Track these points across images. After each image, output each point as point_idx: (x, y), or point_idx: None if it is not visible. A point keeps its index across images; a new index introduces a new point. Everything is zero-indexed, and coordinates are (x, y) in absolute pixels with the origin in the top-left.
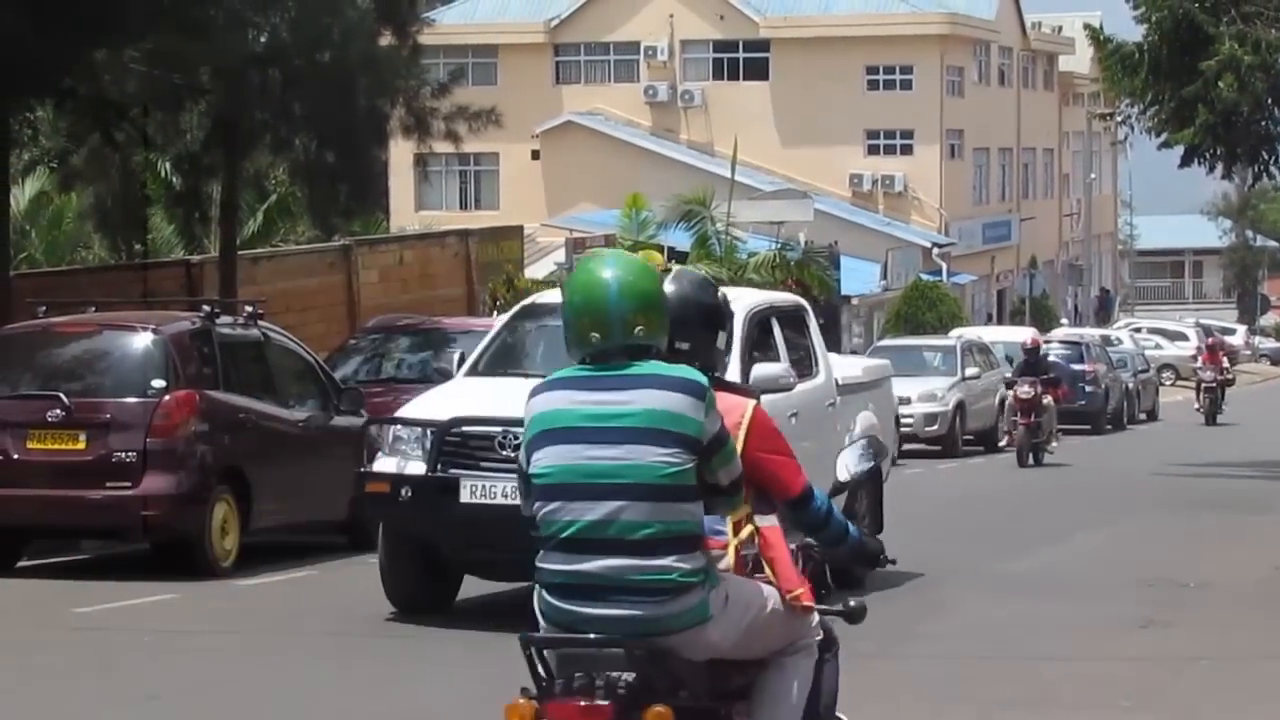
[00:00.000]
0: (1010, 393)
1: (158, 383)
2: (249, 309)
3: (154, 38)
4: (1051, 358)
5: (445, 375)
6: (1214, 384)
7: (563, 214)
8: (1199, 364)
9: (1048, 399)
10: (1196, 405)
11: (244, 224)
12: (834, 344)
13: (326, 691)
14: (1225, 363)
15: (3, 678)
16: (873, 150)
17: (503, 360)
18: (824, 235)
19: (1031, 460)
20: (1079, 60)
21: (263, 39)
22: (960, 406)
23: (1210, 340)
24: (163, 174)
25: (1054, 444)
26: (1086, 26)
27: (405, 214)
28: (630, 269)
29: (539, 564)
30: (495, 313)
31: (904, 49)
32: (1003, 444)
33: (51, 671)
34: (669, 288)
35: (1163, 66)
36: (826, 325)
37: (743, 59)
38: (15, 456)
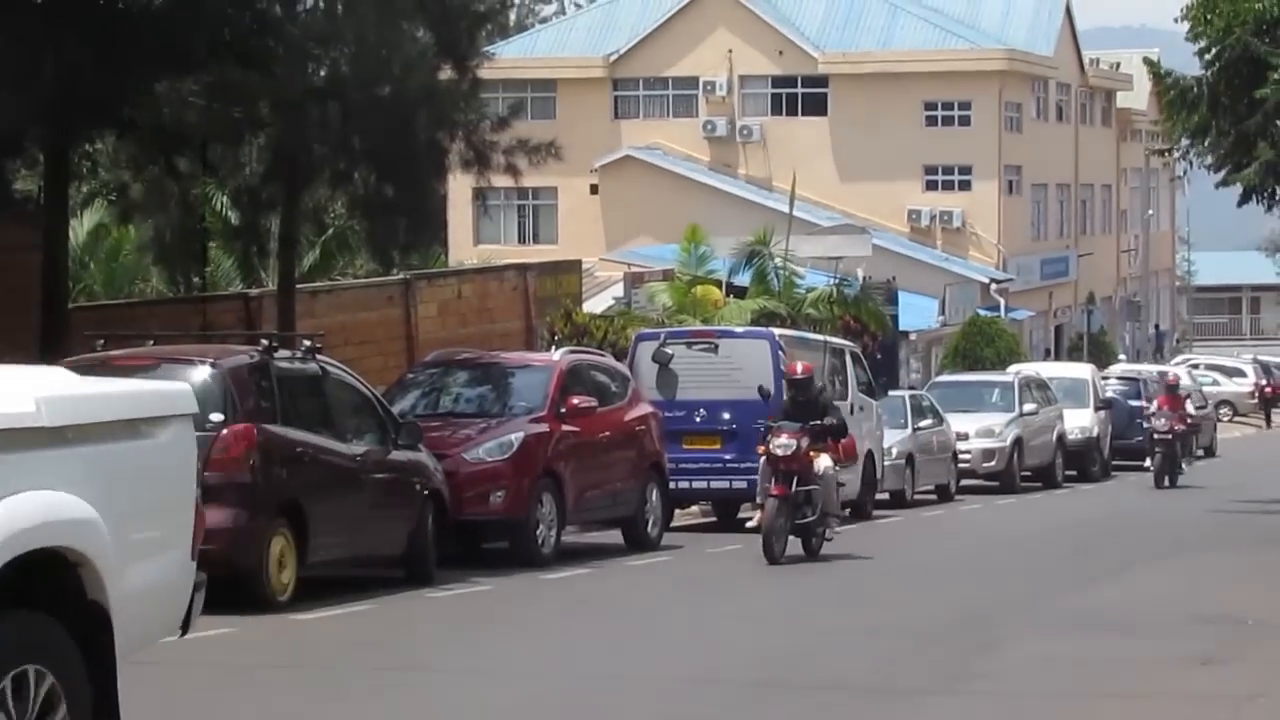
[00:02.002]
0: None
1: (216, 416)
2: (307, 343)
3: (215, 70)
4: (1109, 394)
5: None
6: (1169, 435)
7: (621, 248)
8: (1152, 409)
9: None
10: (1148, 463)
11: (302, 257)
12: (892, 379)
13: None
14: (1189, 408)
15: None
16: (931, 186)
17: None
18: (882, 270)
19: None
20: (1137, 96)
21: (323, 72)
22: (1018, 442)
23: (1170, 378)
24: (220, 207)
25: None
26: (1146, 61)
27: (464, 248)
28: None
29: None
30: (554, 347)
31: (962, 85)
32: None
33: None
34: None
35: (1222, 102)
36: (884, 361)
37: (801, 94)
38: None
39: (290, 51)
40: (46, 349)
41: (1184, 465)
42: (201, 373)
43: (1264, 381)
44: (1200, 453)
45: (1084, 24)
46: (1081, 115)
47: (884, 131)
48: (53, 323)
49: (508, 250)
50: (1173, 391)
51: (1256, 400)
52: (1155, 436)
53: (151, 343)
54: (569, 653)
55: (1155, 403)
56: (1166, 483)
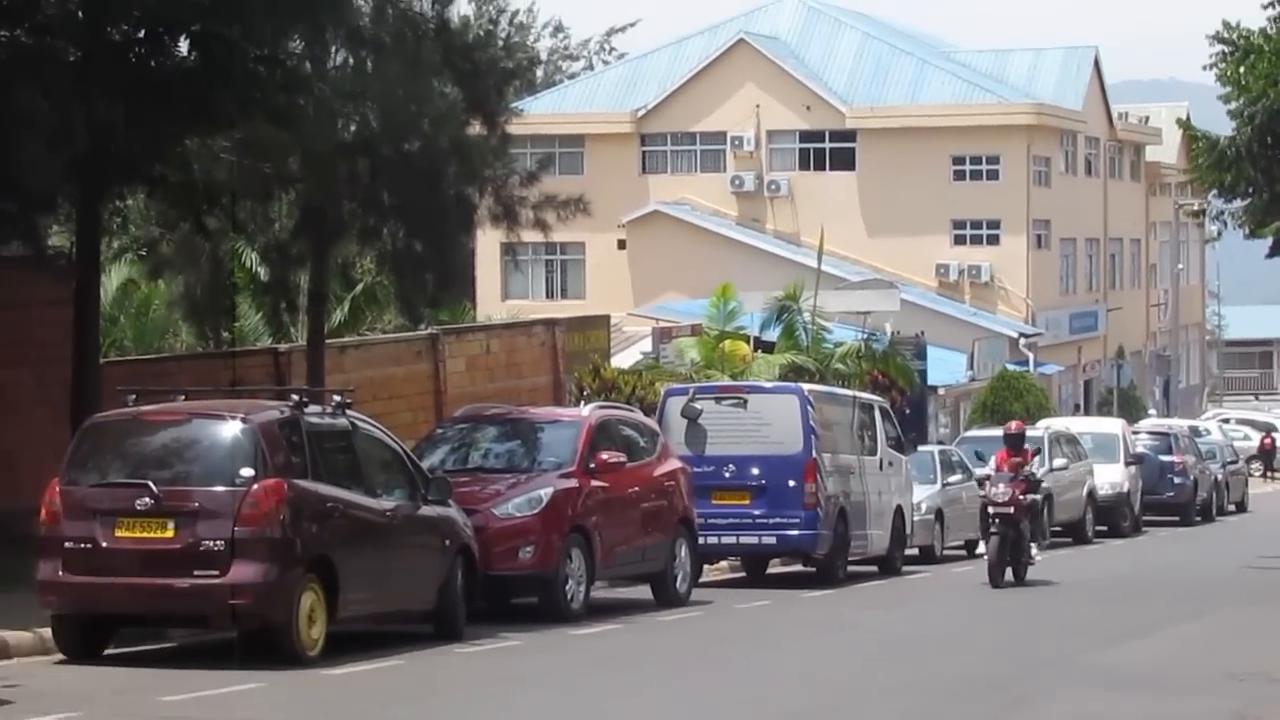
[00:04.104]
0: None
1: (246, 471)
2: (337, 398)
3: (244, 127)
4: (1139, 449)
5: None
6: (1009, 508)
7: (649, 303)
8: (990, 472)
9: None
10: (981, 548)
11: (331, 313)
12: (921, 434)
13: None
14: (1034, 469)
15: None
16: (959, 240)
17: None
18: (910, 325)
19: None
20: (1166, 150)
21: (352, 128)
22: (1048, 498)
23: (1012, 426)
24: (250, 263)
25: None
26: (1179, 122)
27: (492, 303)
28: None
29: None
30: (582, 402)
31: (990, 139)
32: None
33: None
34: None
35: (1256, 161)
36: (913, 416)
37: (829, 149)
38: (104, 544)
39: (319, 108)
40: (78, 403)
41: (1034, 550)
42: (232, 428)
43: (1264, 435)
44: (1231, 507)
45: (1112, 77)
46: (1110, 169)
47: (912, 186)
48: (84, 377)
49: (536, 305)
50: (1015, 445)
51: (1257, 451)
52: (990, 511)
53: (182, 397)
54: (598, 709)
55: (992, 461)
56: (1008, 578)
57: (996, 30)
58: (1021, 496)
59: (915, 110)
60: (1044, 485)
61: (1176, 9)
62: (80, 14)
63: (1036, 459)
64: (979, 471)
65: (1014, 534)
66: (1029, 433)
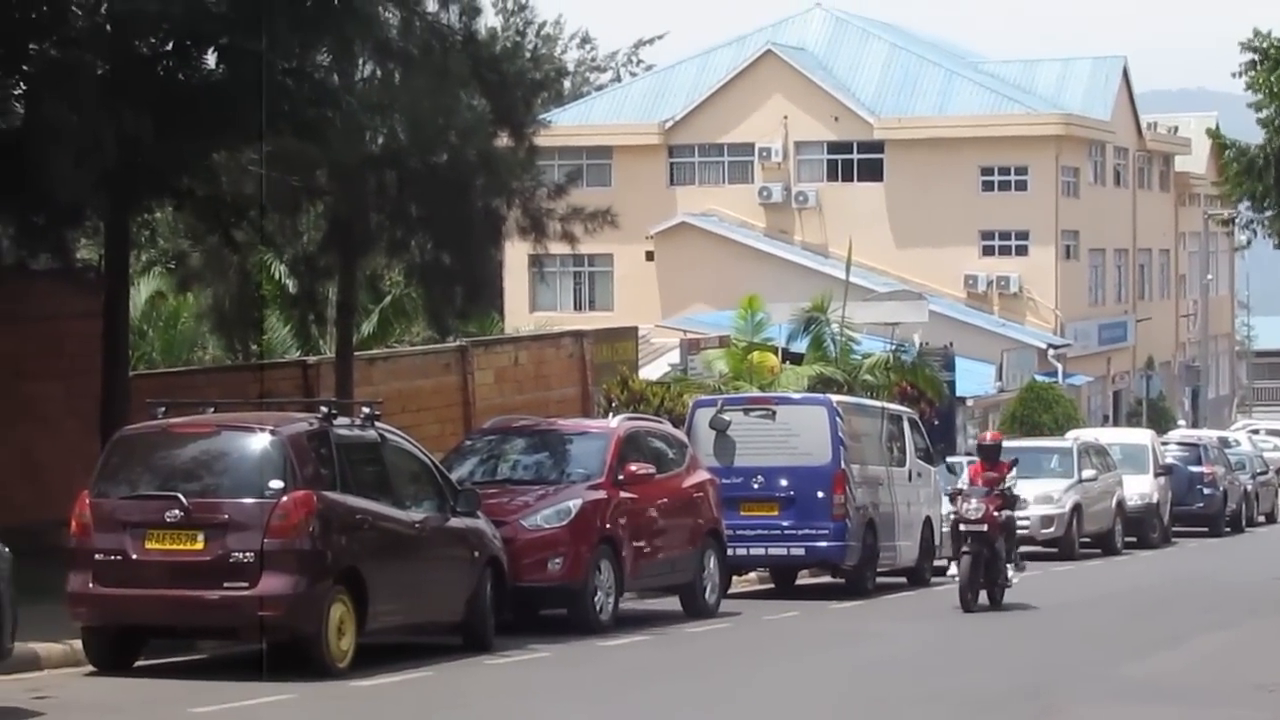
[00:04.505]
0: None
1: (275, 483)
2: (366, 410)
3: (272, 139)
4: (1169, 459)
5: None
6: (981, 525)
7: (677, 315)
8: (960, 483)
9: None
10: (951, 571)
11: (360, 325)
12: (949, 446)
13: None
14: (1012, 483)
15: None
16: (988, 251)
17: None
18: (939, 336)
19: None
20: (1195, 161)
21: (379, 140)
22: (1077, 509)
23: (987, 436)
24: (277, 275)
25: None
26: (1208, 131)
27: (520, 314)
28: None
29: None
30: (611, 414)
31: (1019, 150)
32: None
33: None
34: None
35: None
36: (941, 427)
37: (857, 160)
38: (134, 556)
39: (347, 121)
40: (107, 416)
41: (1011, 571)
42: (262, 440)
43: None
44: (1261, 518)
45: (1140, 87)
46: (1139, 179)
47: (940, 197)
48: (113, 390)
49: (564, 317)
50: (990, 458)
51: None
52: (962, 528)
53: (212, 410)
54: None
55: (965, 474)
56: (983, 600)
57: (1024, 41)
58: (996, 513)
59: (943, 121)
60: (1021, 499)
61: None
62: (108, 28)
63: (1013, 472)
64: (954, 485)
65: (988, 553)
66: (1058, 444)
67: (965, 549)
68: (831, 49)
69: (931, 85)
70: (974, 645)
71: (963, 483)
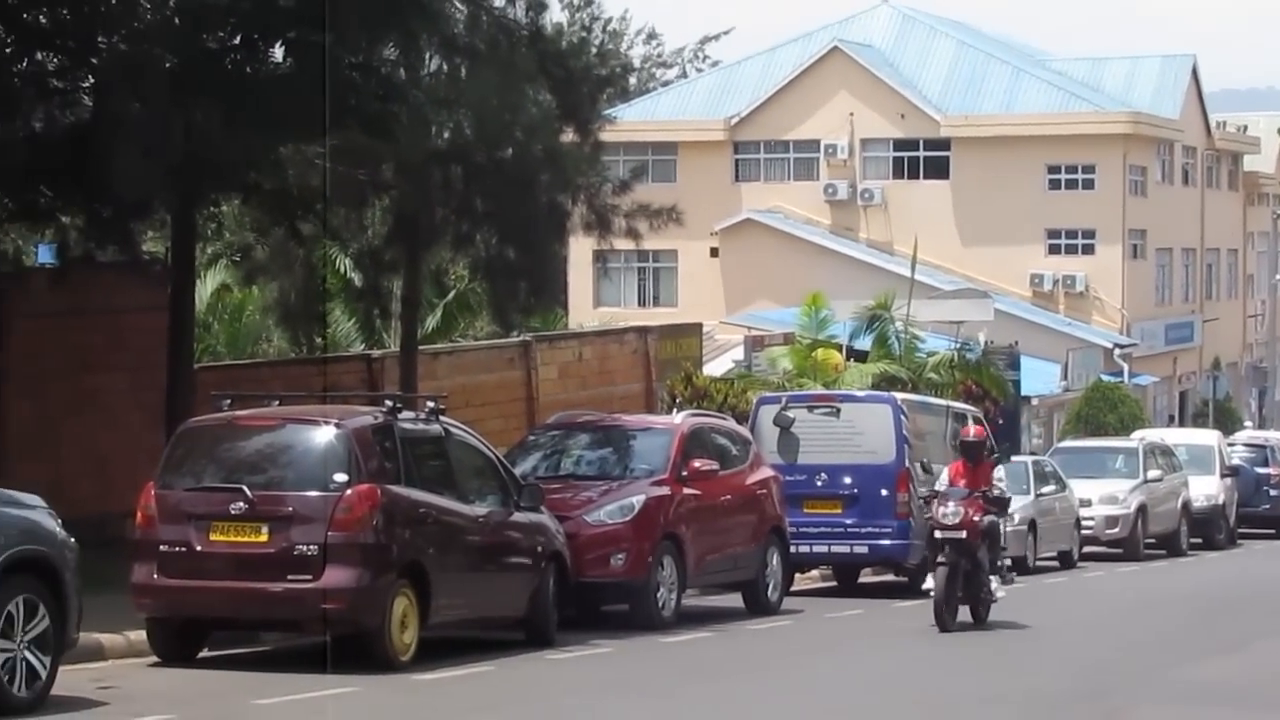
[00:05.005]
0: None
1: (340, 477)
2: (431, 404)
3: (338, 133)
4: (1235, 460)
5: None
6: (960, 532)
7: (741, 311)
8: (939, 484)
9: None
10: (927, 584)
11: (424, 319)
12: (1014, 445)
13: None
14: (1000, 484)
15: None
16: (1054, 250)
17: None
18: (1004, 335)
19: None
20: (1265, 160)
21: (445, 135)
22: (1142, 509)
23: (970, 431)
24: (342, 269)
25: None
26: (1279, 131)
27: (584, 310)
28: None
29: None
30: (675, 410)
31: (1086, 148)
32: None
33: None
34: None
35: None
36: (1006, 426)
37: (923, 157)
38: (198, 548)
39: (413, 115)
40: (172, 408)
41: (996, 584)
42: (326, 433)
43: None
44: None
45: (1209, 86)
46: (1207, 178)
47: (1006, 195)
48: (178, 382)
49: (628, 313)
50: (973, 455)
51: None
52: (937, 535)
53: (276, 403)
54: (688, 717)
55: (945, 474)
56: (966, 617)
57: (1092, 38)
58: (977, 518)
59: (1010, 119)
60: (1007, 501)
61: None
62: (177, 22)
63: (999, 471)
64: (937, 485)
65: (969, 564)
66: (1124, 444)
67: (941, 559)
68: (898, 46)
69: (998, 83)
70: (1037, 644)
71: (941, 484)
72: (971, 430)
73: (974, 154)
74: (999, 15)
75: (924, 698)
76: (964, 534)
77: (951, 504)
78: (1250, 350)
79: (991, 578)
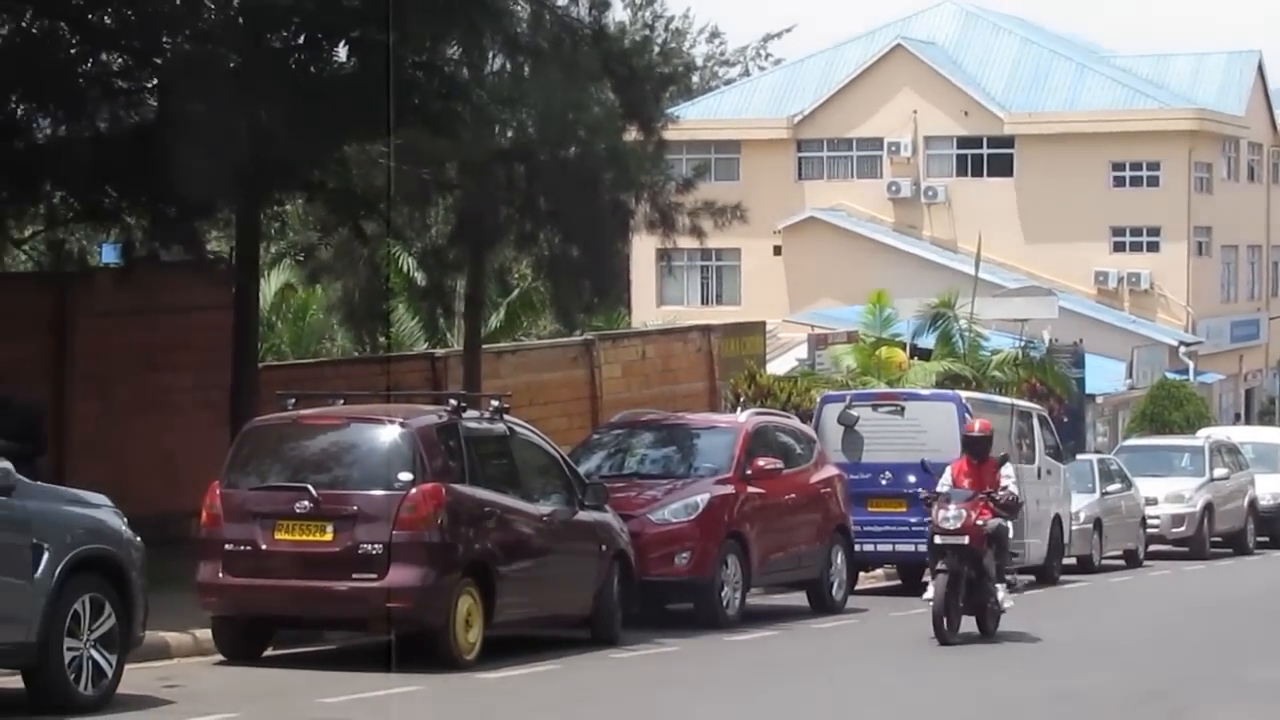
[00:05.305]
0: None
1: (404, 476)
2: (495, 403)
3: (402, 133)
4: None
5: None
6: (961, 537)
7: (804, 310)
8: (941, 485)
9: None
10: (927, 594)
11: (488, 318)
12: (1079, 443)
13: None
14: (1009, 483)
15: None
16: (1118, 247)
17: None
18: (1068, 333)
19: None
20: None
21: (509, 134)
22: (1208, 508)
23: (974, 425)
24: (406, 268)
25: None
26: None
27: (647, 309)
28: None
29: None
30: (738, 408)
31: (1151, 145)
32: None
33: None
34: None
35: None
36: (1070, 424)
37: (987, 155)
38: (263, 547)
39: (477, 114)
40: (237, 407)
41: (1003, 593)
42: (391, 432)
43: None
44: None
45: (1276, 83)
46: (1274, 175)
47: (1070, 192)
48: (243, 381)
49: (691, 311)
50: (978, 452)
51: None
52: (937, 540)
53: (341, 402)
54: (752, 716)
55: (947, 474)
56: (971, 629)
57: (1156, 35)
58: (980, 522)
59: (1074, 116)
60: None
61: None
62: (240, 21)
63: (1005, 469)
64: (939, 485)
65: (973, 572)
66: (1189, 442)
67: (940, 566)
68: (962, 43)
69: (1062, 80)
70: (1100, 642)
71: (944, 484)
72: (976, 424)
73: (1038, 151)
74: (1063, 12)
75: (984, 697)
76: (965, 539)
77: (953, 507)
78: None
79: (999, 586)
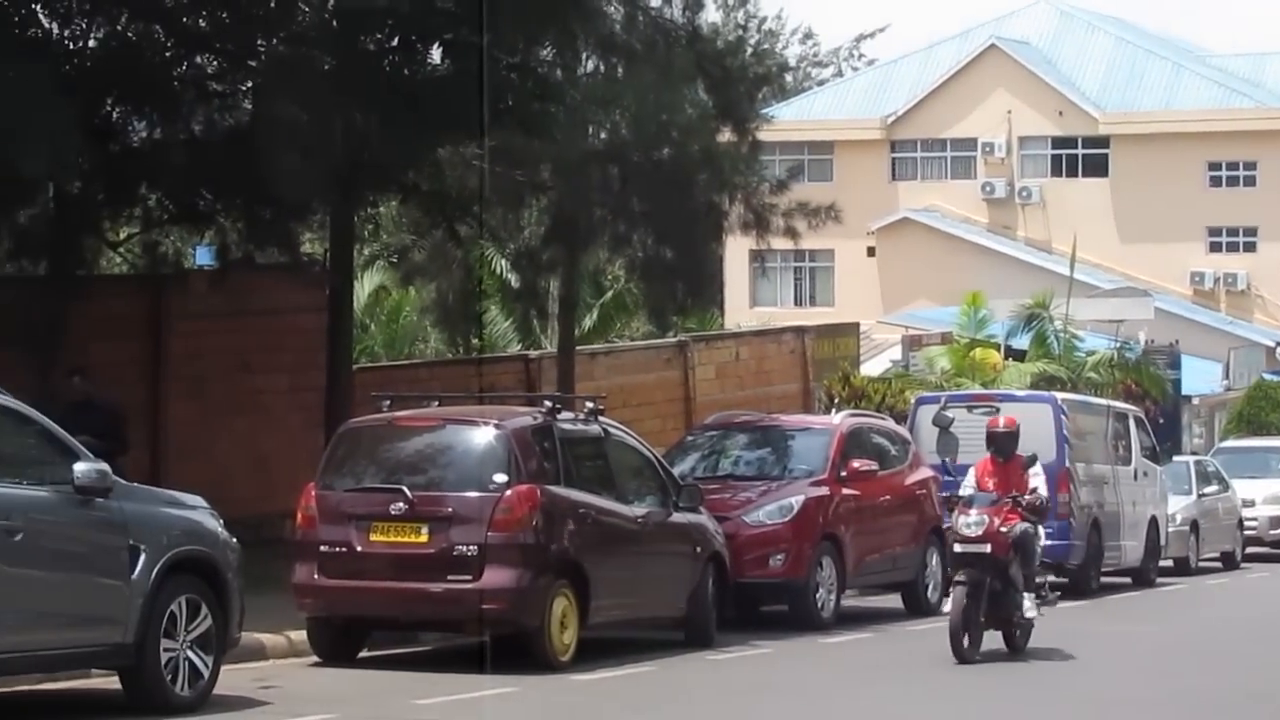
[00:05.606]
0: None
1: (499, 477)
2: (589, 404)
3: (496, 134)
4: None
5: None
6: (984, 545)
7: (898, 311)
8: (969, 490)
9: None
10: (947, 606)
11: (580, 319)
12: (1175, 445)
13: None
14: (1038, 487)
15: None
16: (1214, 247)
17: None
18: (1164, 334)
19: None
20: None
21: (602, 135)
22: None
23: (1001, 421)
24: (499, 269)
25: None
26: None
27: (740, 310)
28: None
29: None
30: (832, 410)
31: (1247, 145)
32: None
33: None
34: None
35: None
36: (1166, 426)
37: (1081, 155)
38: (359, 548)
39: (570, 116)
40: (331, 409)
41: (1029, 604)
42: (486, 434)
43: None
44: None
45: None
46: None
47: (1166, 192)
48: (337, 383)
49: (784, 313)
50: (1004, 450)
51: None
52: (957, 548)
53: (436, 404)
54: (850, 719)
55: (970, 474)
56: (998, 644)
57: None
58: (1004, 528)
59: (1170, 115)
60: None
61: None
62: (335, 24)
63: (1033, 468)
64: (963, 488)
65: (997, 583)
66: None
67: (960, 578)
68: (1056, 43)
69: (1158, 79)
70: (1198, 645)
71: (968, 486)
72: (1001, 420)
73: (1133, 151)
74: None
75: (1087, 698)
76: (987, 547)
77: (974, 512)
78: None
79: (1026, 596)
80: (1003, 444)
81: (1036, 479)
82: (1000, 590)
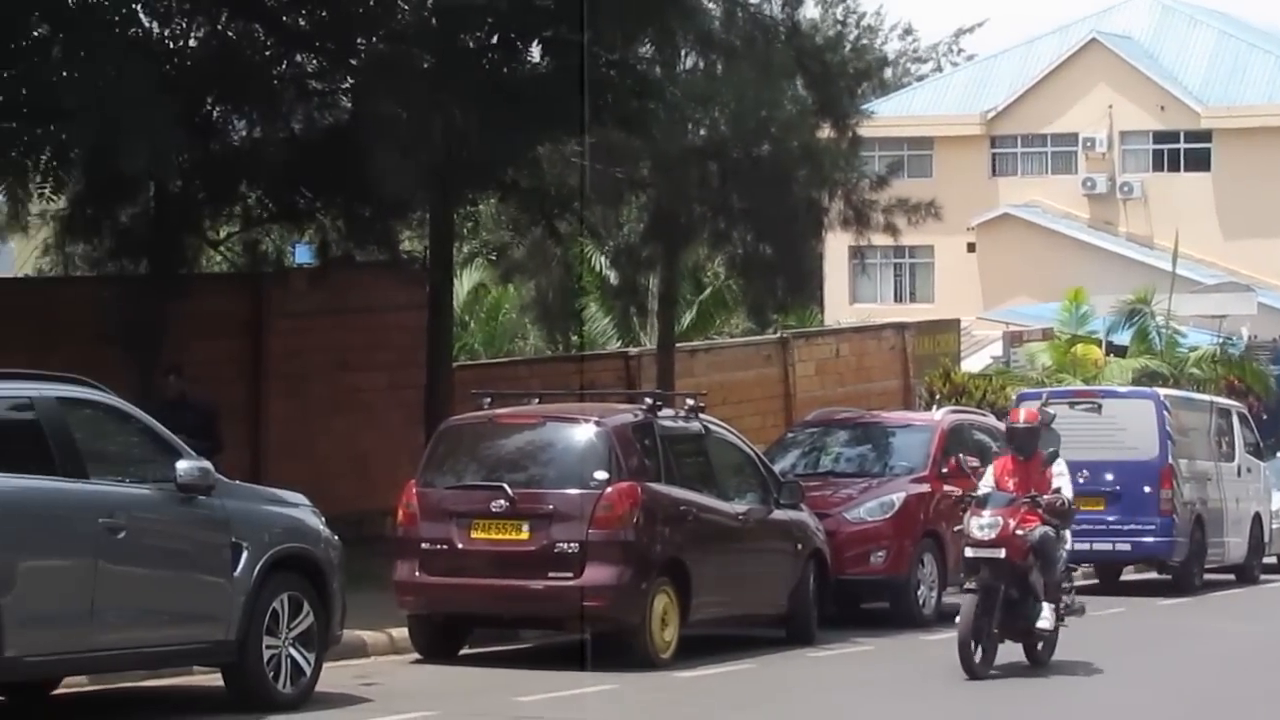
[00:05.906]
0: None
1: (600, 474)
2: (690, 401)
3: (595, 131)
4: None
5: None
6: (998, 549)
7: (999, 307)
8: (987, 489)
9: None
10: (966, 587)
11: (681, 316)
12: (1278, 441)
13: None
14: (1063, 486)
15: None
16: None
17: None
18: (1268, 329)
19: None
20: None
21: (702, 132)
22: None
23: (1023, 414)
24: (598, 266)
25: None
26: None
27: (840, 306)
28: None
29: None
30: (934, 406)
31: None
32: None
33: None
34: None
35: None
36: (1269, 422)
37: (1183, 150)
38: (460, 546)
39: (670, 113)
40: (431, 407)
41: (1046, 613)
42: (587, 431)
43: None
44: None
45: None
46: None
47: (1270, 187)
48: (437, 381)
49: (884, 309)
50: (1024, 447)
51: None
52: (969, 553)
53: (536, 401)
54: (952, 716)
55: (989, 473)
56: (1018, 657)
57: None
58: (1021, 531)
59: (1273, 109)
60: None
61: None
62: (434, 22)
63: (1056, 465)
64: (982, 487)
65: (1014, 591)
66: None
67: (970, 585)
68: (1157, 37)
69: (1261, 73)
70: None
71: (986, 485)
72: (1022, 413)
73: (1236, 145)
74: (1261, 4)
75: (1193, 694)
76: (1002, 552)
77: (987, 513)
78: None
79: (1045, 606)
80: (1023, 440)
81: (1060, 478)
82: (1018, 599)
